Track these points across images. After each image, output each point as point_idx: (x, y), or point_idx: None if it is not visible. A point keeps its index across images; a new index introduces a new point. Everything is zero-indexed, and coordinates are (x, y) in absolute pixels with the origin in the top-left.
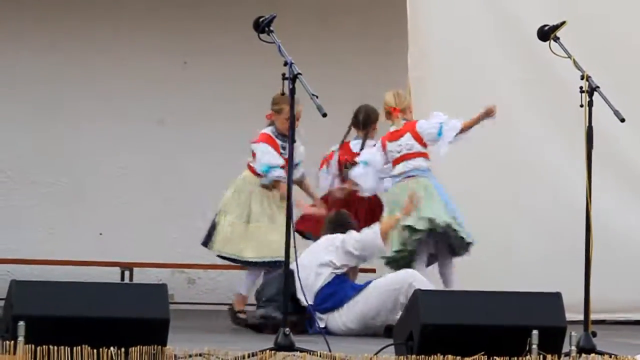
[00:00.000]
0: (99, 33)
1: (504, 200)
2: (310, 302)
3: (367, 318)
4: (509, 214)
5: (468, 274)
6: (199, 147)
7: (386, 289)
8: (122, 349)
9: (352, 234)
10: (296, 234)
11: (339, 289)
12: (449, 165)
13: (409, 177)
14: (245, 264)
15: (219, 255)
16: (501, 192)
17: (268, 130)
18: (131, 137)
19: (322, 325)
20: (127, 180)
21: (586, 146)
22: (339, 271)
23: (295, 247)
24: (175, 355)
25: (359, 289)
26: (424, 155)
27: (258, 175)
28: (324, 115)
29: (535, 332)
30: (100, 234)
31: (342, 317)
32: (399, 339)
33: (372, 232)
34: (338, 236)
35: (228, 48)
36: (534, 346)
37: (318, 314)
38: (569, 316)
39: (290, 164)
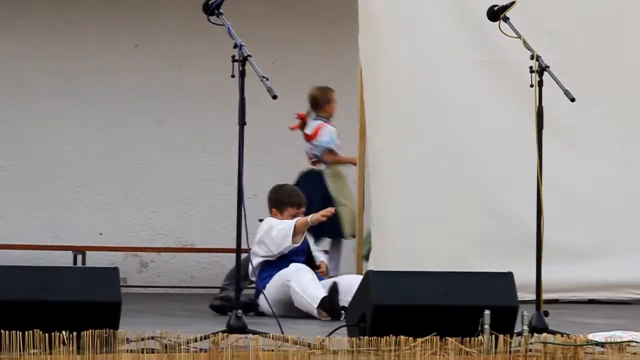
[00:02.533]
0: (56, 17)
1: (455, 183)
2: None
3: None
4: (460, 196)
5: (423, 257)
6: (153, 132)
7: (277, 283)
8: (74, 333)
9: (273, 223)
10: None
11: (262, 276)
12: (398, 146)
13: None
14: None
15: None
16: (452, 175)
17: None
18: (85, 120)
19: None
20: (80, 164)
21: (536, 126)
22: (269, 258)
23: (246, 228)
24: (127, 339)
25: (268, 279)
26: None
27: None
28: (274, 97)
29: (487, 312)
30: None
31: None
32: (351, 321)
33: (287, 227)
34: (265, 224)
35: (178, 31)
36: (486, 326)
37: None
38: (522, 296)
39: (240, 144)
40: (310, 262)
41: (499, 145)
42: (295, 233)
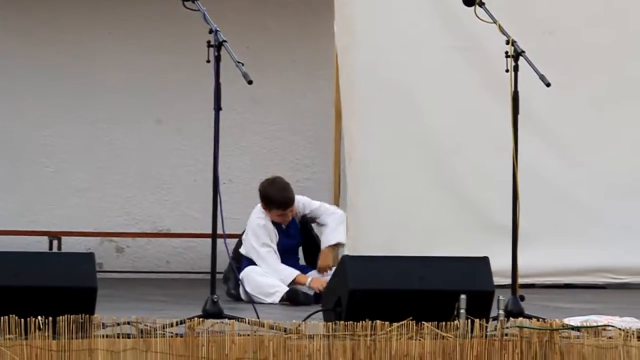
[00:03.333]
0: (32, 1)
1: (429, 169)
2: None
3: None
4: (434, 183)
5: (399, 242)
6: (128, 117)
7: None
8: (50, 318)
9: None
10: None
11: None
12: (373, 132)
13: None
14: None
15: None
16: (425, 161)
17: None
18: (60, 105)
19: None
20: (56, 149)
21: (512, 111)
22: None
23: (222, 214)
24: (103, 324)
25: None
26: None
27: None
28: (250, 82)
29: (463, 296)
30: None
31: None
32: (327, 305)
33: (286, 274)
34: (251, 223)
35: (152, 17)
36: (462, 310)
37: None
38: (497, 280)
39: (216, 129)
40: (309, 243)
41: (472, 132)
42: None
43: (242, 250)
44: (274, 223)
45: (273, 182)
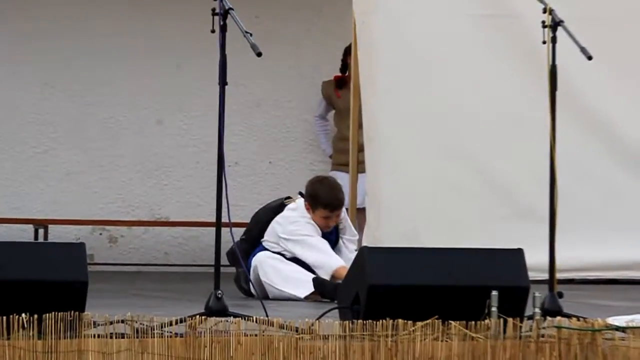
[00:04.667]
0: None
1: (456, 150)
2: None
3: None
4: (461, 166)
5: (423, 231)
6: (122, 93)
7: (253, 265)
8: (35, 316)
9: (308, 240)
10: None
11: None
12: (395, 108)
13: None
14: None
15: None
16: (452, 142)
17: None
18: (48, 81)
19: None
20: (42, 128)
21: (549, 88)
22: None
23: (227, 200)
24: (94, 322)
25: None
26: None
27: None
28: (259, 54)
29: (494, 292)
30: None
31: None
32: (343, 302)
33: (326, 263)
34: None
35: None
36: (494, 308)
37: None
38: (533, 275)
39: (221, 106)
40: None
41: (505, 110)
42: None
43: (267, 239)
44: None
45: (323, 180)
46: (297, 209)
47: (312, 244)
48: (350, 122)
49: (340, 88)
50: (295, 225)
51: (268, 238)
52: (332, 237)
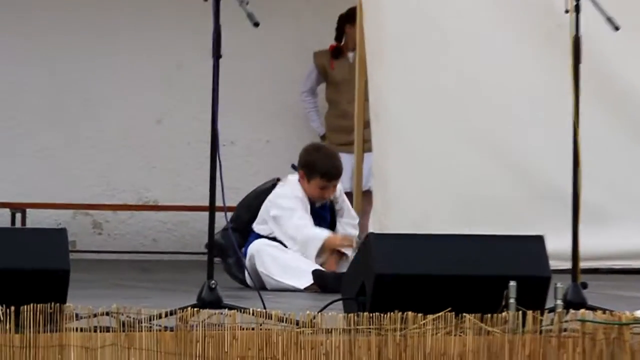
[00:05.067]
0: None
1: (467, 129)
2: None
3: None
4: (474, 146)
5: (433, 217)
6: (105, 66)
7: (248, 255)
8: (12, 308)
9: (293, 209)
10: None
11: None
12: (402, 85)
13: None
14: None
15: None
16: (463, 120)
17: None
18: (23, 54)
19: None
20: (18, 104)
21: (572, 60)
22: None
23: (222, 182)
24: (76, 315)
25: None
26: None
27: None
28: (256, 24)
29: (512, 283)
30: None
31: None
32: (348, 293)
33: (311, 236)
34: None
35: None
36: (512, 300)
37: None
38: (555, 264)
39: (215, 81)
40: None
41: (524, 84)
42: (322, 251)
43: (257, 223)
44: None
45: (320, 148)
46: (286, 184)
47: (294, 220)
48: (356, 96)
49: (337, 58)
50: (283, 199)
51: (259, 221)
52: (325, 213)
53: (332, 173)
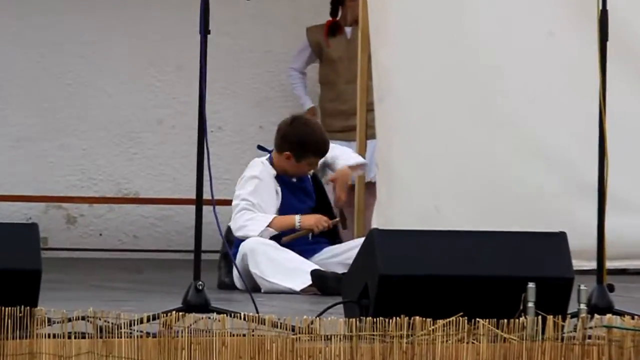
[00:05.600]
0: None
1: (482, 113)
2: None
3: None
4: (489, 131)
5: (444, 210)
6: (84, 44)
7: (240, 255)
8: None
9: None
10: None
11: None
12: (410, 62)
13: None
14: None
15: None
16: (477, 102)
17: None
18: (1, 32)
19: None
20: None
21: (599, 37)
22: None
23: (210, 172)
24: (49, 319)
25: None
26: None
27: None
28: None
29: (531, 285)
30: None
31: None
32: (349, 296)
33: (257, 218)
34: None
35: None
36: (530, 304)
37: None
38: (578, 264)
39: (202, 60)
40: (323, 205)
41: (544, 63)
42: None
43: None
44: (283, 181)
45: (307, 122)
46: (255, 163)
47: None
48: (358, 76)
49: (333, 35)
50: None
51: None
52: (309, 187)
53: (326, 147)
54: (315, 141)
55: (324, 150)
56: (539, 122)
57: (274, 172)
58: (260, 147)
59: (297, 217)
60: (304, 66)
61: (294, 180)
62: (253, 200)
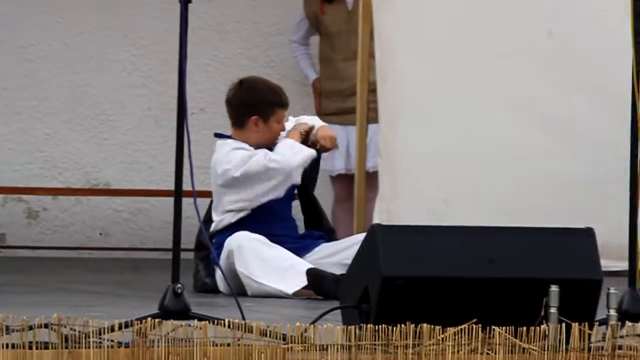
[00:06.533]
0: None
1: (496, 90)
2: None
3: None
4: (512, 110)
5: (455, 203)
6: (49, 12)
7: (224, 255)
8: None
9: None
10: None
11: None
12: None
13: None
14: None
15: None
16: (490, 78)
17: None
18: None
19: None
20: None
21: (632, 9)
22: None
23: (191, 160)
24: (7, 327)
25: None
26: None
27: None
28: None
29: (554, 288)
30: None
31: None
32: (347, 300)
33: (286, 144)
34: (223, 148)
35: None
36: (553, 310)
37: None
38: (607, 264)
39: (182, 31)
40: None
41: (571, 37)
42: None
43: (214, 218)
44: None
45: (253, 79)
46: (222, 145)
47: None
48: (359, 51)
49: (330, 2)
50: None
51: (216, 208)
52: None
53: (285, 96)
54: (272, 91)
55: (284, 97)
56: (564, 104)
57: (250, 147)
58: (218, 135)
59: (295, 130)
60: (305, 38)
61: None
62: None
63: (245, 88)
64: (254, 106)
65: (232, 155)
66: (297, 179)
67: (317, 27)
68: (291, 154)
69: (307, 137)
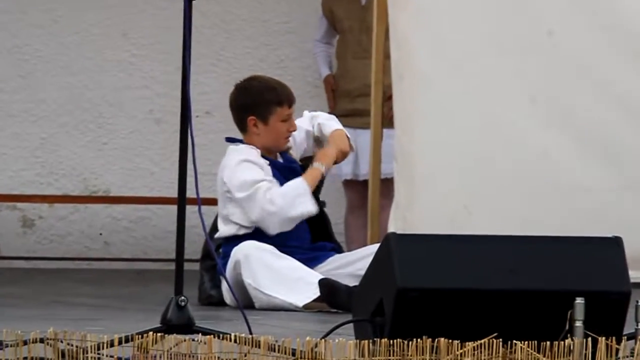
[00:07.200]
0: None
1: (526, 86)
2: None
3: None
4: (536, 111)
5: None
6: (43, 15)
7: (230, 266)
8: None
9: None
10: None
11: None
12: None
13: None
14: None
15: None
16: (525, 81)
17: None
18: None
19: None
20: None
21: None
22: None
23: (195, 165)
24: (1, 342)
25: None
26: None
27: None
28: None
29: (579, 300)
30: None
31: None
32: (361, 313)
33: (293, 186)
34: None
35: None
36: (578, 323)
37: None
38: (635, 275)
39: (186, 30)
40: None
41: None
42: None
43: (220, 226)
44: (271, 165)
45: (251, 79)
46: (232, 151)
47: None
48: (373, 49)
49: None
50: (239, 174)
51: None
52: (296, 165)
53: (287, 92)
54: (269, 89)
55: (284, 94)
56: (593, 105)
57: (258, 151)
58: (229, 139)
59: (316, 164)
60: (326, 37)
61: (281, 160)
62: (267, 177)
63: (240, 89)
64: (249, 106)
65: (237, 172)
66: (289, 228)
67: (334, 25)
68: (291, 204)
69: (319, 142)
